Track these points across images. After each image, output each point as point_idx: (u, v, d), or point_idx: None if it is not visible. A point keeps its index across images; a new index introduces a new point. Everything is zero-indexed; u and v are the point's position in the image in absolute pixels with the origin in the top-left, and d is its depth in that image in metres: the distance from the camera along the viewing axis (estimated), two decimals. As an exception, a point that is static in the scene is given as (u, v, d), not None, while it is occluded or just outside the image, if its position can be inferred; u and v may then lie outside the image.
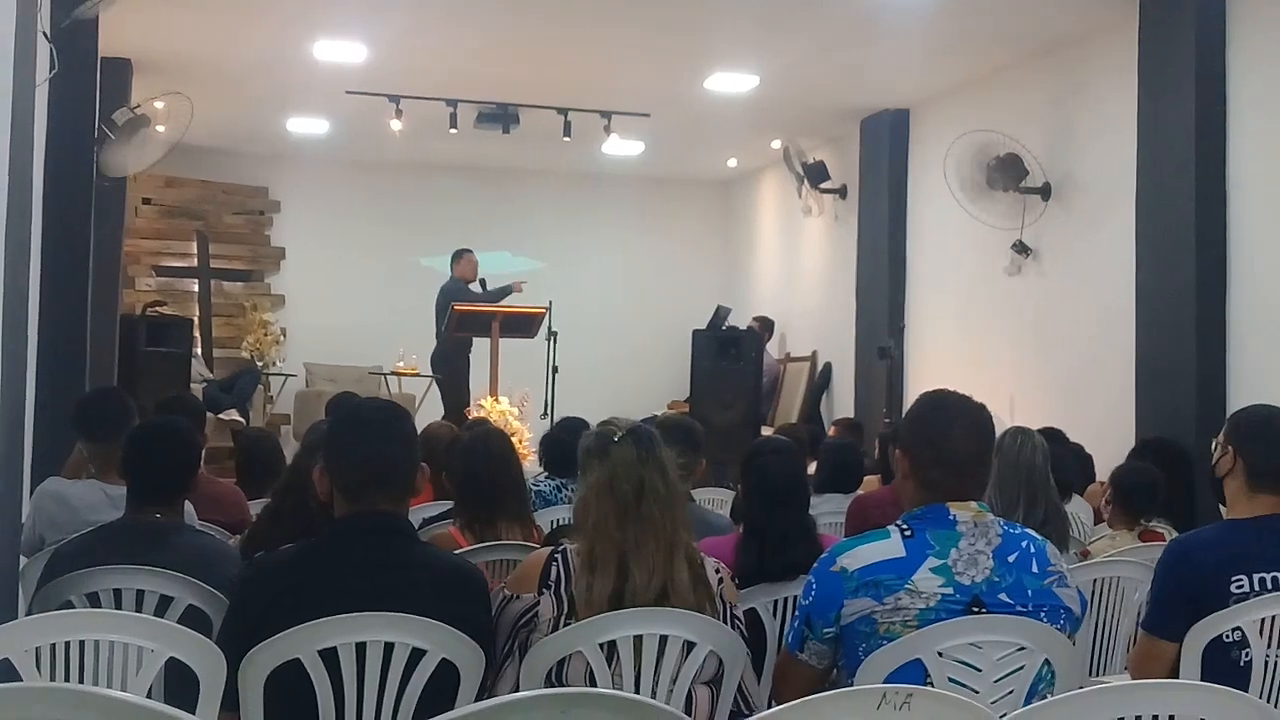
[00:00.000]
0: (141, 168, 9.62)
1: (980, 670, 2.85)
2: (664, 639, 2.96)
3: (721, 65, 10.25)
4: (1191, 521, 5.27)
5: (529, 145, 12.46)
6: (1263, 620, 3.32)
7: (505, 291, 11.86)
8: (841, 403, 12.41)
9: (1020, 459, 4.46)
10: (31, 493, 4.77)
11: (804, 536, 3.77)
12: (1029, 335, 9.75)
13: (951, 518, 2.96)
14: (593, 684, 2.89)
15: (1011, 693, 2.87)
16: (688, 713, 2.93)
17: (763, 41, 9.55)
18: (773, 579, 3.66)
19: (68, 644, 2.89)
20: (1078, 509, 5.96)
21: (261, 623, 2.77)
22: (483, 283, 11.99)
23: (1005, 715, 2.38)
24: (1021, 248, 9.57)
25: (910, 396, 10.20)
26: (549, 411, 10.85)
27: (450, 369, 11.79)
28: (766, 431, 10.84)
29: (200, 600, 3.43)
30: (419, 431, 3.43)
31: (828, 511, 5.67)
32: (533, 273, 14.56)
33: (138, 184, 12.94)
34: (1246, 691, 3.08)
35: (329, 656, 2.74)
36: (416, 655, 2.79)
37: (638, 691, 2.90)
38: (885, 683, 2.73)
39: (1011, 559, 2.95)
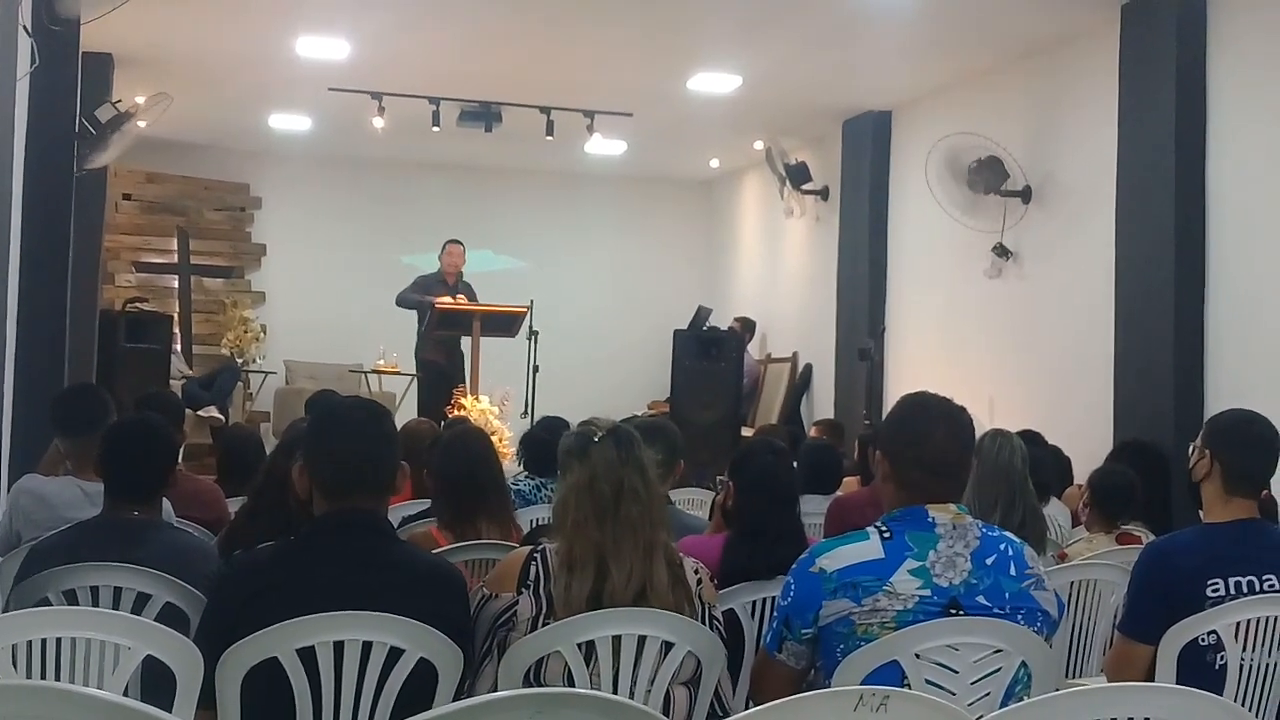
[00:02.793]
0: (111, 159, 9.61)
1: (957, 672, 2.86)
2: (642, 639, 2.96)
3: (704, 65, 10.25)
4: (1168, 525, 5.29)
5: (511, 144, 12.45)
6: (1238, 624, 3.34)
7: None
8: (821, 404, 12.43)
9: (999, 461, 4.48)
10: (8, 489, 4.75)
11: (796, 537, 3.80)
12: (1009, 338, 9.78)
13: (930, 520, 2.97)
14: (571, 684, 2.89)
15: (988, 695, 2.88)
16: (665, 713, 2.93)
17: (745, 42, 9.56)
18: (764, 578, 3.67)
19: (44, 641, 2.88)
20: (1055, 512, 5.97)
21: (239, 621, 2.77)
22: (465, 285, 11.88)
23: (982, 717, 2.39)
24: (1002, 250, 9.59)
25: (890, 398, 10.22)
26: (529, 411, 10.83)
27: (434, 365, 11.71)
28: (747, 432, 10.86)
29: (178, 598, 3.42)
30: (399, 429, 3.42)
31: (807, 512, 5.64)
32: (514, 272, 14.56)
33: (118, 179, 12.92)
34: (1221, 695, 3.10)
35: (307, 655, 2.74)
36: (394, 654, 2.79)
37: (616, 692, 2.90)
38: (863, 684, 2.73)
39: (989, 561, 2.96)
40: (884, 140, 11.53)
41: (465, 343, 11.53)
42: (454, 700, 2.78)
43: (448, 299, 11.34)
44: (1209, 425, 3.73)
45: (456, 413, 10.08)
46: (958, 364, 10.16)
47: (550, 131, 11.48)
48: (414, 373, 12.06)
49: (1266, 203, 7.31)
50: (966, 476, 3.14)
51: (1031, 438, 5.82)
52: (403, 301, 11.67)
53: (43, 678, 2.83)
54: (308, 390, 10.38)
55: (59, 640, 2.89)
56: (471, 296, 11.69)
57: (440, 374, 11.45)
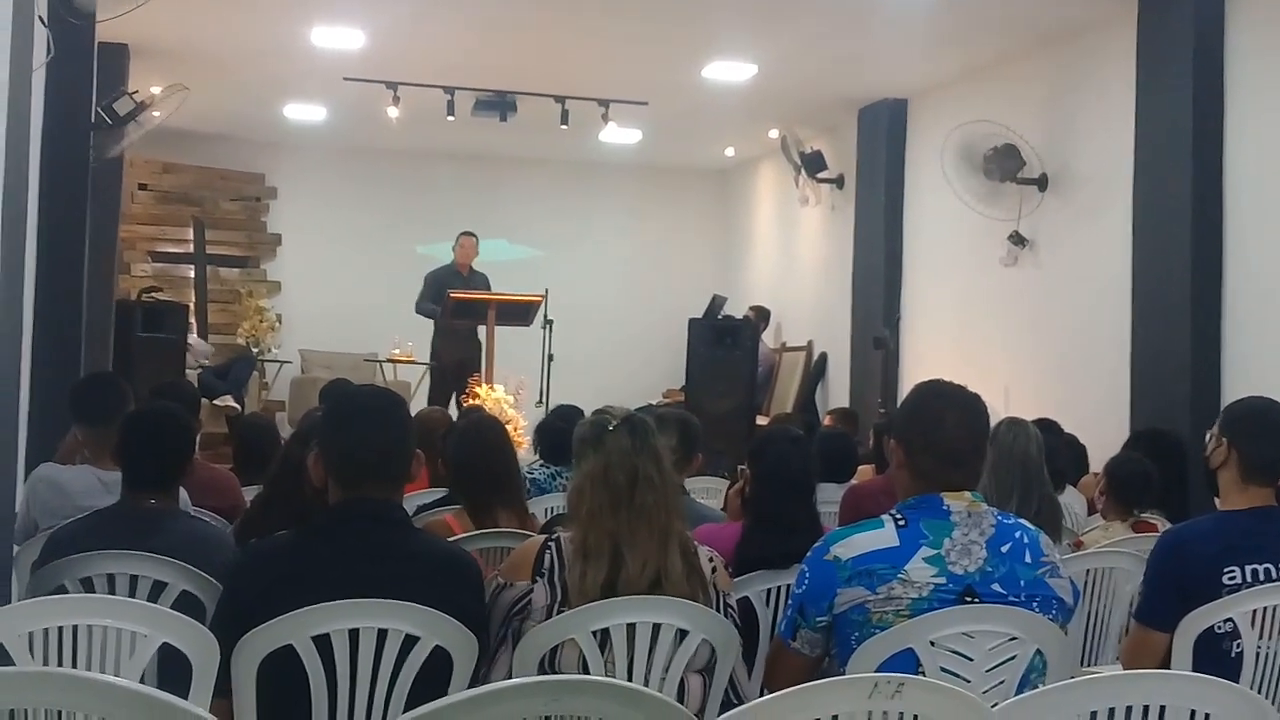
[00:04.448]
0: (125, 148, 9.65)
1: (972, 660, 2.85)
2: (657, 627, 2.96)
3: (719, 54, 10.23)
4: (1185, 513, 5.28)
5: (526, 133, 12.44)
6: (1254, 611, 3.33)
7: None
8: (836, 393, 12.42)
9: (1015, 449, 4.47)
10: (26, 478, 4.77)
11: (811, 525, 3.80)
12: (1024, 326, 9.76)
13: (945, 508, 2.96)
14: (585, 672, 2.90)
15: (1003, 682, 2.88)
16: (680, 701, 2.93)
17: (761, 30, 9.54)
18: (781, 566, 3.67)
19: (61, 629, 2.89)
20: (1071, 500, 5.97)
21: (255, 609, 2.77)
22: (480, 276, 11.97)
23: (997, 705, 2.38)
24: (1018, 238, 9.57)
25: (905, 386, 10.21)
26: (544, 399, 10.86)
27: (445, 356, 11.75)
28: (762, 421, 10.85)
29: (194, 586, 3.44)
30: (414, 418, 3.43)
31: (822, 501, 5.65)
32: (529, 261, 14.57)
33: (134, 169, 12.95)
34: (1238, 682, 3.09)
35: (322, 643, 2.75)
36: (410, 642, 2.79)
37: (630, 679, 2.91)
38: (877, 672, 2.73)
39: (1005, 549, 2.95)
40: (899, 128, 11.50)
41: (483, 334, 11.57)
42: (469, 688, 2.79)
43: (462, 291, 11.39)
44: (1226, 413, 3.72)
45: (471, 401, 10.10)
46: (973, 352, 10.14)
47: (565, 120, 11.48)
48: (429, 363, 12.06)
49: (1284, 190, 7.28)
50: (981, 465, 3.13)
51: (1047, 426, 5.81)
52: (423, 312, 11.80)
53: (59, 665, 2.84)
54: (323, 379, 10.40)
55: (75, 628, 2.90)
56: (486, 287, 11.74)
57: (451, 369, 11.48)
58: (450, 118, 11.39)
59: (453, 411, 9.41)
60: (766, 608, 3.69)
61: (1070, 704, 2.30)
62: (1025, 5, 8.71)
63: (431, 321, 11.76)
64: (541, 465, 5.95)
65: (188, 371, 10.85)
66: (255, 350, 13.42)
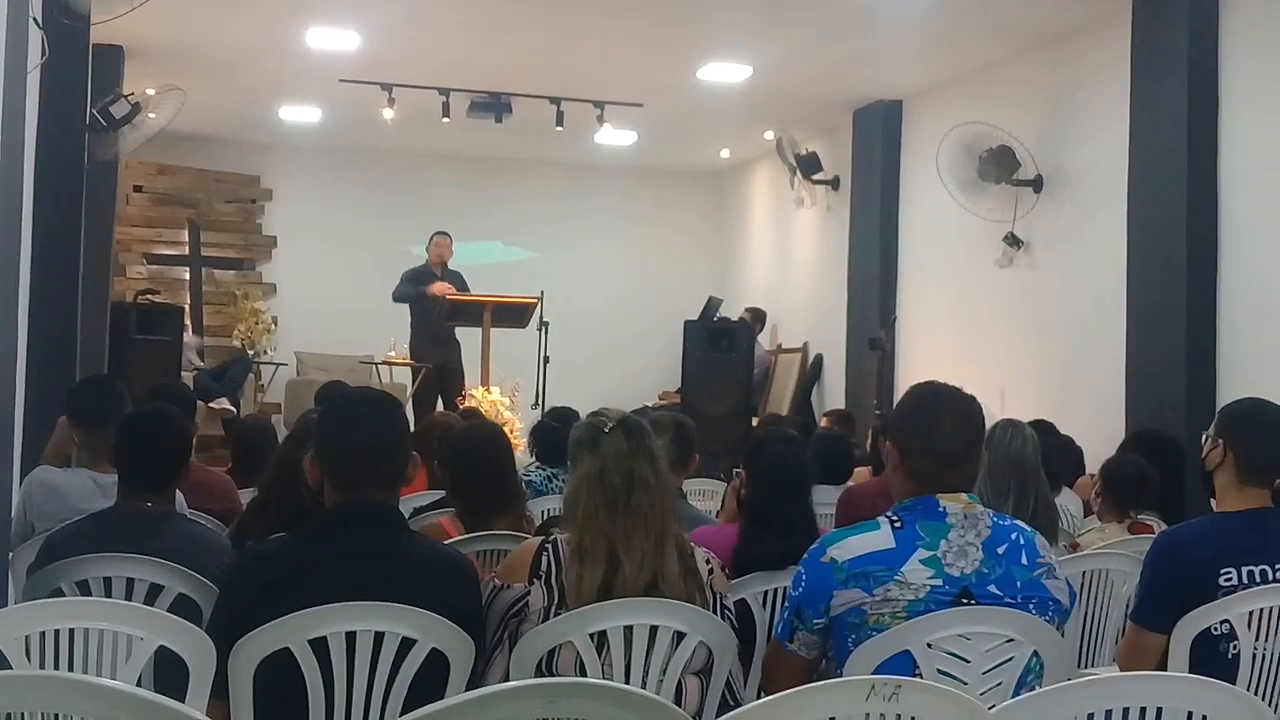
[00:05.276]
0: (126, 153, 9.63)
1: (969, 662, 2.85)
2: (654, 629, 2.96)
3: (715, 55, 10.24)
4: (1181, 514, 5.27)
5: (521, 135, 12.44)
6: (1251, 613, 3.34)
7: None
8: (832, 394, 12.42)
9: (1011, 451, 4.46)
10: (21, 481, 4.76)
11: (808, 527, 3.80)
12: (1020, 327, 9.77)
13: (941, 509, 2.96)
14: (582, 674, 2.90)
15: (1000, 684, 2.88)
16: (677, 703, 2.93)
17: (756, 32, 9.55)
18: (777, 567, 3.67)
19: (57, 632, 2.89)
20: (1067, 501, 5.97)
21: (252, 612, 2.77)
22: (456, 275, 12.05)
23: (994, 707, 2.38)
24: (1013, 240, 9.58)
25: (901, 388, 10.17)
26: (540, 402, 10.86)
27: (425, 359, 11.78)
28: (756, 423, 10.85)
29: (190, 589, 3.43)
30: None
31: (818, 503, 5.65)
32: (524, 263, 14.57)
33: (129, 171, 12.94)
34: (1234, 684, 3.09)
35: (319, 646, 2.74)
36: (406, 645, 2.79)
37: (627, 682, 2.90)
38: (874, 674, 2.73)
39: (1001, 550, 2.95)
40: (895, 130, 11.52)
41: (463, 337, 11.60)
42: (466, 690, 2.78)
43: (452, 289, 11.43)
44: (1222, 414, 3.72)
45: (467, 404, 10.10)
46: (969, 354, 10.15)
47: (560, 122, 11.48)
48: (425, 365, 12.07)
49: (1278, 191, 7.28)
50: (976, 466, 3.13)
51: (1044, 428, 5.82)
52: (399, 297, 11.89)
53: (56, 668, 2.84)
54: (318, 382, 10.39)
55: (72, 631, 2.90)
56: (461, 285, 11.78)
57: (433, 372, 11.50)
58: (445, 119, 11.39)
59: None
60: (763, 610, 3.69)
61: (1067, 706, 2.29)
62: (1020, 7, 8.72)
63: (409, 319, 11.80)
64: (537, 467, 5.96)
65: (183, 374, 10.83)
66: (251, 352, 13.40)
